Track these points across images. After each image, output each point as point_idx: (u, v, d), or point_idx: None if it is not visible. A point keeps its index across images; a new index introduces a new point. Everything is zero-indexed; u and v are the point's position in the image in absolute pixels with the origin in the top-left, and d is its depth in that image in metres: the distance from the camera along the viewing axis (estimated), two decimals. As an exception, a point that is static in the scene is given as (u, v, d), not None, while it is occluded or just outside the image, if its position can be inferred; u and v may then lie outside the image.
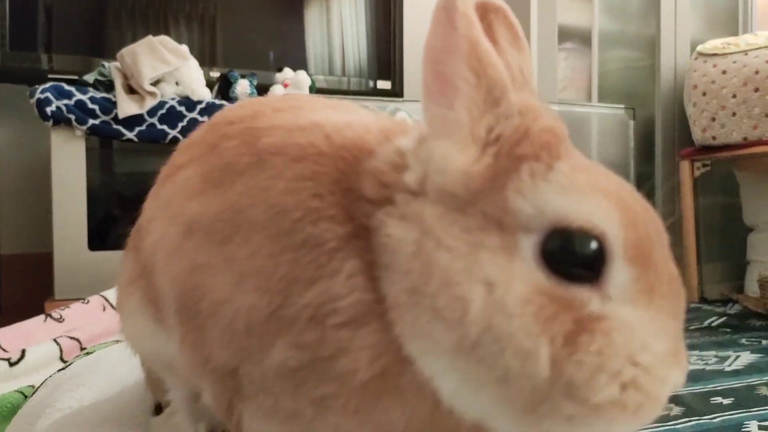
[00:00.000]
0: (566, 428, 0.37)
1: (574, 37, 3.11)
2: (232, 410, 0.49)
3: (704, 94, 2.89)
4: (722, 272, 3.21)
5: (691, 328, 2.39)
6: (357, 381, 0.41)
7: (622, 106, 3.03)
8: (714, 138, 2.88)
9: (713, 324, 2.45)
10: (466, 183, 0.39)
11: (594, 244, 0.37)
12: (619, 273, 0.37)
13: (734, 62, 2.83)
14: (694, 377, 1.67)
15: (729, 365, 1.81)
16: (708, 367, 1.78)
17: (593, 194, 0.37)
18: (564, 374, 0.36)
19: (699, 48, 3.01)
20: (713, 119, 2.87)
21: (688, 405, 1.40)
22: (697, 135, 2.95)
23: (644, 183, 3.13)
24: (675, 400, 1.45)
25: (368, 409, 0.42)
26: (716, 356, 1.91)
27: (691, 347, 2.04)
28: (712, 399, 1.46)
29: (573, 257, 0.37)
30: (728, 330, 2.33)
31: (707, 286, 3.12)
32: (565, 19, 3.03)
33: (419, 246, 0.39)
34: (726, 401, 1.44)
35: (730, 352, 1.95)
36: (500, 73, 0.40)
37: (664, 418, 1.32)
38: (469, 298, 0.37)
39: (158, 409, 0.73)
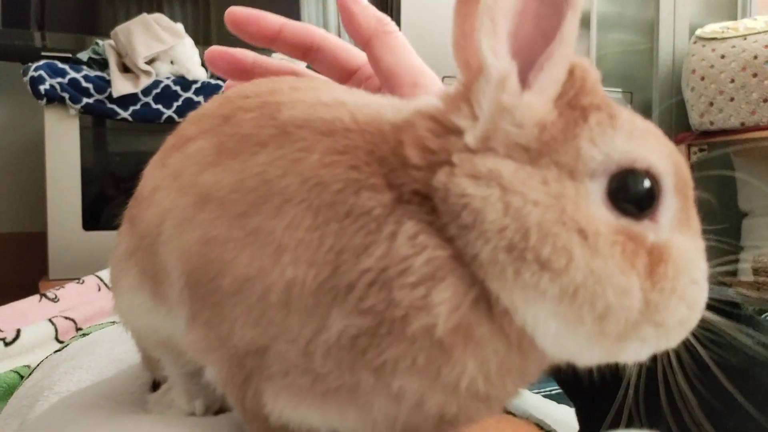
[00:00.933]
0: (640, 348, 0.42)
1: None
2: (246, 388, 0.48)
3: (702, 78, 2.89)
4: (716, 257, 3.22)
5: (685, 312, 2.40)
6: (433, 337, 0.42)
7: (619, 89, 3.02)
8: (711, 123, 2.88)
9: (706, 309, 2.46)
10: (540, 135, 0.42)
11: (650, 182, 0.41)
12: (670, 205, 0.41)
13: (733, 47, 2.82)
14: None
15: (723, 349, 1.81)
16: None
17: (651, 138, 0.42)
18: (651, 303, 0.40)
19: (698, 32, 3.00)
20: (711, 104, 2.87)
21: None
22: (695, 120, 2.95)
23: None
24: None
25: (440, 363, 0.43)
26: (710, 340, 1.92)
27: (684, 331, 2.05)
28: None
29: (636, 195, 0.41)
30: (722, 314, 2.34)
31: (701, 272, 3.14)
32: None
33: (506, 203, 0.41)
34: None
35: (723, 337, 1.95)
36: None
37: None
38: (570, 247, 0.40)
39: (155, 386, 0.72)
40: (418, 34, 2.88)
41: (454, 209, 0.43)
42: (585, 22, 3.11)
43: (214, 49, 0.71)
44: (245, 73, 0.73)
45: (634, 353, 0.43)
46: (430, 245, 0.43)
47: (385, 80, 0.66)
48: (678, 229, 0.42)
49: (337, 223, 0.43)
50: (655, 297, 0.40)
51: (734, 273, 3.07)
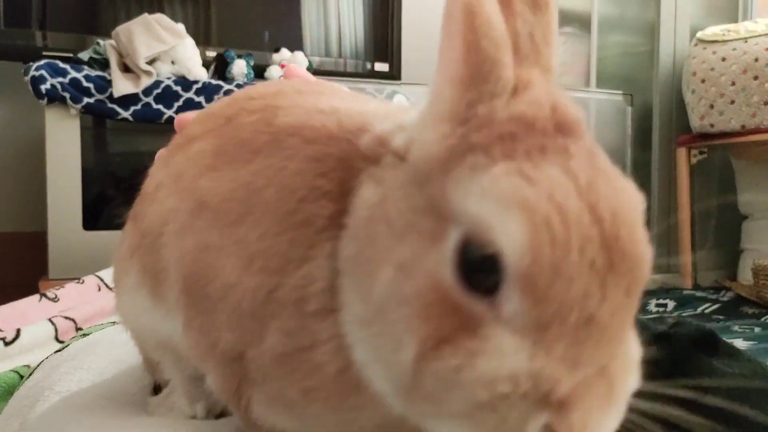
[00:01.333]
0: (440, 423, 0.36)
1: (573, 21, 3.09)
2: (240, 395, 0.48)
3: (703, 81, 2.89)
4: (716, 259, 3.23)
5: (684, 314, 2.41)
6: (327, 374, 0.41)
7: (620, 92, 3.03)
8: (712, 125, 2.88)
9: (706, 311, 2.46)
10: (428, 159, 0.37)
11: (493, 262, 0.33)
12: (511, 299, 0.33)
13: (734, 49, 2.82)
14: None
15: (722, 352, 1.81)
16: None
17: (510, 207, 0.33)
18: (420, 378, 0.34)
19: (699, 34, 3.00)
20: (711, 106, 2.87)
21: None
22: (695, 122, 2.95)
23: (641, 169, 3.14)
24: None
25: (341, 405, 0.42)
26: (709, 343, 1.92)
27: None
28: (705, 385, 1.47)
29: (477, 268, 0.34)
30: (721, 317, 2.35)
31: (701, 273, 3.14)
32: (565, 3, 3.01)
33: (372, 213, 0.38)
34: (719, 388, 1.45)
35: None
36: (495, 47, 0.36)
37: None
38: (377, 276, 0.36)
39: (156, 389, 0.73)
40: (418, 15, 2.88)
41: (349, 211, 0.41)
42: (586, 24, 3.11)
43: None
44: None
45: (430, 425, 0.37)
46: (333, 270, 0.41)
47: None
48: (520, 333, 0.33)
49: (292, 232, 0.43)
50: (427, 374, 0.34)
51: (734, 276, 3.07)
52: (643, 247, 0.35)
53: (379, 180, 0.40)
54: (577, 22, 3.10)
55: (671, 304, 2.55)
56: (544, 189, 0.33)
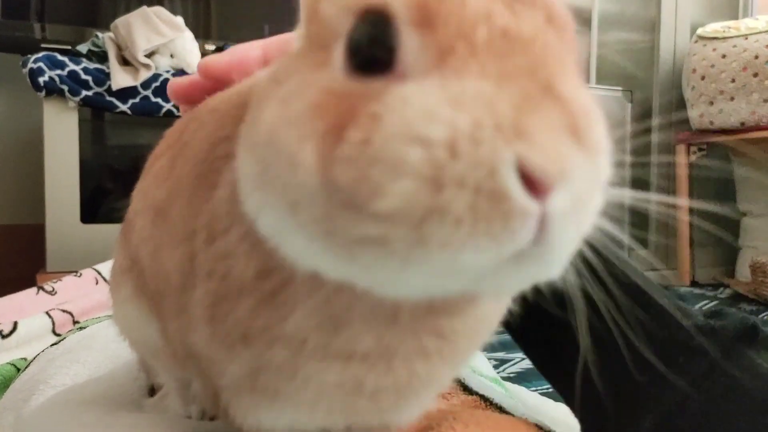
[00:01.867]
0: (381, 263, 0.28)
1: (573, 17, 3.08)
2: (218, 398, 0.47)
3: (703, 77, 2.89)
4: (714, 257, 3.23)
5: (682, 311, 2.41)
6: (248, 280, 0.37)
7: (620, 88, 3.02)
8: (711, 122, 2.88)
9: (704, 308, 2.46)
10: (305, 11, 0.34)
11: (380, 25, 0.29)
12: (409, 44, 0.29)
13: (734, 46, 2.82)
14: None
15: (719, 349, 1.81)
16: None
17: None
18: (330, 177, 0.28)
19: (699, 31, 2.99)
20: (711, 103, 2.86)
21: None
22: (695, 119, 2.95)
23: (640, 166, 3.13)
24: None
25: (272, 304, 0.37)
26: (706, 340, 1.92)
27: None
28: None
29: (367, 43, 0.30)
30: (719, 314, 2.35)
31: (699, 270, 3.14)
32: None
33: (262, 84, 0.35)
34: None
35: (720, 336, 1.96)
36: None
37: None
38: (261, 117, 0.32)
39: (152, 390, 0.73)
40: None
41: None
42: (586, 20, 3.10)
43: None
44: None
45: (374, 266, 0.29)
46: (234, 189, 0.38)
47: None
48: (421, 75, 0.28)
49: (200, 186, 0.42)
50: (336, 169, 0.27)
51: (732, 273, 3.08)
52: None
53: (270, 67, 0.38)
54: (576, 17, 3.08)
55: (669, 301, 2.55)
56: None
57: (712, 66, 2.86)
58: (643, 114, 3.20)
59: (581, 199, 0.28)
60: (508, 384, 1.12)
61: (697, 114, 2.93)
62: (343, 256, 0.29)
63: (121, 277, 0.59)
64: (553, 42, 0.29)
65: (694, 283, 3.03)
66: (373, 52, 0.29)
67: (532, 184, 0.26)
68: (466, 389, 0.84)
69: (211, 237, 0.39)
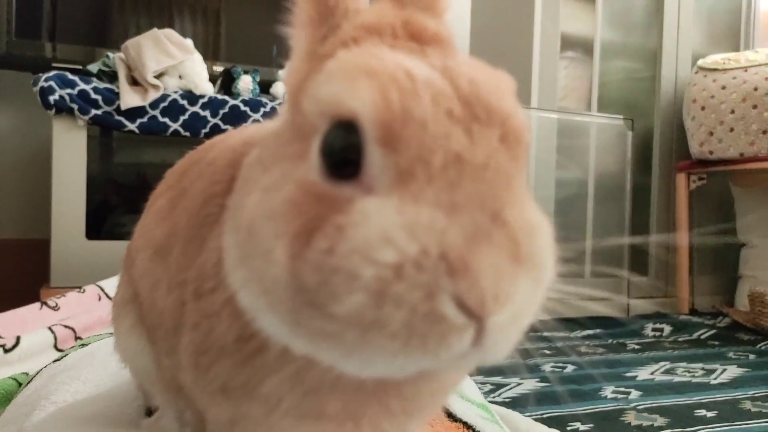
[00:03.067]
0: (335, 352, 0.32)
1: (576, 45, 3.12)
2: (205, 429, 0.49)
3: (703, 108, 2.92)
4: (713, 285, 3.23)
5: (680, 339, 2.41)
6: (228, 343, 0.40)
7: (621, 116, 3.05)
8: (711, 152, 2.90)
9: (702, 336, 2.47)
10: (291, 95, 0.38)
11: (351, 132, 0.32)
12: (372, 159, 0.32)
13: (734, 78, 2.85)
14: (680, 389, 1.68)
15: (715, 378, 1.82)
16: (694, 380, 1.79)
17: (353, 75, 0.33)
18: (298, 276, 0.31)
19: (700, 62, 3.03)
20: (711, 134, 2.89)
21: (672, 416, 1.42)
22: (695, 148, 2.97)
23: (641, 194, 3.15)
24: (659, 411, 1.46)
25: (248, 367, 0.40)
26: (703, 369, 1.93)
27: (678, 359, 2.06)
28: (696, 411, 1.47)
29: (339, 149, 0.32)
30: (717, 343, 2.35)
31: (698, 299, 3.14)
32: (568, 28, 3.04)
33: (249, 168, 0.39)
34: (710, 414, 1.45)
35: (717, 365, 1.96)
36: None
37: (648, 429, 1.33)
38: (243, 204, 0.35)
39: (149, 411, 0.74)
40: None
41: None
42: (588, 50, 3.14)
43: None
44: None
45: (330, 354, 0.33)
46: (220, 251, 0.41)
47: None
48: (385, 192, 0.31)
49: (193, 238, 0.45)
50: (302, 270, 0.31)
51: (731, 302, 3.08)
52: (509, 105, 0.34)
53: (258, 147, 0.41)
54: (579, 46, 3.13)
55: (667, 329, 2.56)
56: (390, 60, 0.33)
57: (712, 97, 2.89)
58: (644, 142, 3.22)
59: (520, 311, 0.32)
60: (499, 409, 1.13)
61: (697, 144, 2.95)
62: (306, 341, 0.33)
63: (123, 308, 0.62)
64: (504, 164, 0.32)
65: (693, 311, 3.03)
66: (344, 156, 0.32)
67: (469, 311, 0.30)
68: (450, 416, 0.85)
69: (198, 293, 0.42)
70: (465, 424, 0.83)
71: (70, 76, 2.11)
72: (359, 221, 0.30)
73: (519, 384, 1.64)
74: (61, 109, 2.07)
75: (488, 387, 1.62)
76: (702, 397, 1.61)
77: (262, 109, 2.30)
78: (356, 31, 0.37)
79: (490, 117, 0.33)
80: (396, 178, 0.31)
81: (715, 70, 2.93)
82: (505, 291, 0.30)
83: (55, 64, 2.29)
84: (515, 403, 1.49)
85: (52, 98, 2.04)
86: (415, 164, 0.31)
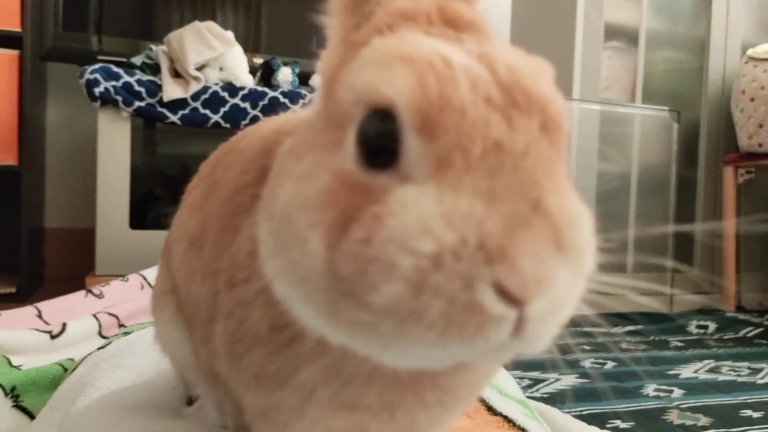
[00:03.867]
0: (371, 343, 0.32)
1: (620, 35, 3.05)
2: (243, 416, 0.49)
3: (752, 99, 2.83)
4: (761, 282, 3.14)
5: (726, 337, 2.36)
6: (262, 332, 0.40)
7: (667, 108, 2.98)
8: (760, 145, 2.81)
9: (749, 334, 2.40)
10: (326, 83, 0.38)
11: (388, 120, 0.32)
12: (410, 147, 0.31)
13: (786, 68, 2.76)
14: (725, 388, 1.65)
15: (762, 378, 1.78)
16: (740, 379, 1.75)
17: (389, 62, 0.32)
18: (334, 267, 0.31)
19: (749, 52, 2.93)
20: (760, 126, 2.80)
21: (717, 416, 1.39)
22: (743, 141, 2.88)
23: (686, 188, 3.08)
24: (703, 410, 1.44)
25: (282, 356, 0.40)
26: (749, 368, 1.88)
27: (724, 357, 2.01)
28: (741, 411, 1.44)
29: (375, 137, 0.32)
30: (764, 341, 2.29)
31: (745, 295, 3.06)
32: (613, 17, 2.98)
33: (282, 158, 0.39)
34: (756, 414, 1.42)
35: (764, 365, 1.91)
36: None
37: (691, 429, 1.31)
38: (277, 194, 0.35)
39: (190, 400, 0.75)
40: None
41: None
42: (633, 39, 3.07)
43: None
44: None
45: (367, 344, 0.32)
46: (253, 240, 0.41)
47: None
48: (422, 181, 0.31)
49: (226, 228, 0.45)
50: (340, 260, 0.31)
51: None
52: (549, 92, 0.33)
53: (291, 135, 0.41)
54: (624, 36, 3.06)
55: (712, 326, 2.50)
56: (426, 46, 0.33)
57: (762, 88, 2.80)
58: (690, 135, 3.15)
59: (561, 300, 0.31)
60: (536, 404, 1.12)
61: (745, 136, 2.87)
62: (343, 332, 0.33)
63: (163, 298, 0.63)
64: (544, 152, 0.32)
65: (739, 308, 2.95)
66: (380, 144, 0.32)
67: (510, 298, 0.29)
68: (490, 409, 0.85)
69: (231, 282, 0.43)
70: (505, 418, 0.83)
71: (114, 68, 2.14)
72: (396, 210, 0.30)
73: (558, 380, 1.62)
74: (106, 101, 2.11)
75: (526, 382, 1.60)
76: (747, 397, 1.57)
77: (302, 101, 2.31)
78: (391, 17, 0.36)
79: (529, 104, 0.32)
80: (434, 166, 0.31)
81: (765, 59, 2.83)
82: (546, 275, 0.29)
83: (100, 57, 2.33)
84: (553, 399, 1.47)
85: (97, 90, 2.08)
86: (453, 152, 0.30)
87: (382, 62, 0.32)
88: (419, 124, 0.31)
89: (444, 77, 0.31)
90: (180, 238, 0.56)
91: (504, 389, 0.96)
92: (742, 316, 2.73)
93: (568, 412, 1.19)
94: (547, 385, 1.59)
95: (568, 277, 0.31)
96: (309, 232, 0.32)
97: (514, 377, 1.13)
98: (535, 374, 1.65)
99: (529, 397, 1.15)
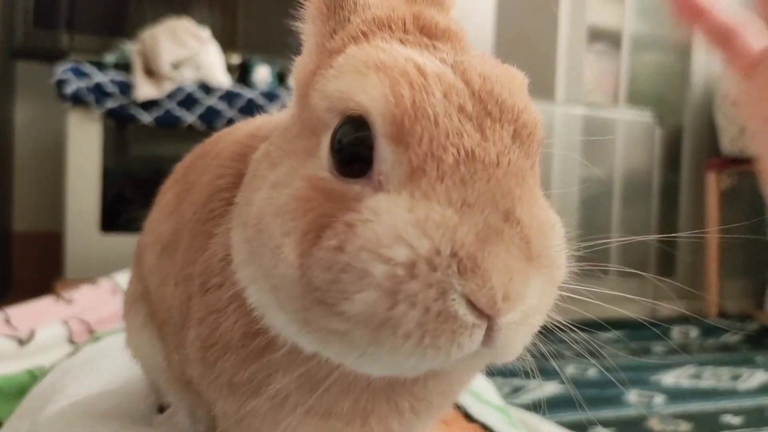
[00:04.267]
0: (345, 352, 0.32)
1: (604, 38, 3.06)
2: (215, 424, 0.48)
3: (735, 103, 2.84)
4: (743, 288, 3.16)
5: (707, 343, 2.36)
6: (234, 340, 0.40)
7: (649, 113, 2.98)
8: (742, 150, 2.83)
9: (730, 340, 2.41)
10: (300, 89, 0.39)
11: (361, 128, 0.32)
12: (383, 155, 0.31)
13: (768, 73, 2.77)
14: (705, 394, 1.65)
15: (742, 383, 1.78)
16: (720, 384, 1.76)
17: (363, 70, 0.33)
18: (308, 274, 0.31)
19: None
20: (742, 130, 2.81)
21: (697, 422, 1.39)
22: (725, 145, 2.90)
23: (669, 193, 3.08)
24: (683, 416, 1.44)
25: (256, 365, 0.40)
26: (730, 373, 1.88)
27: (705, 363, 2.01)
28: (721, 417, 1.45)
29: (349, 145, 0.32)
30: (745, 347, 2.30)
31: (727, 301, 3.07)
32: (596, 20, 2.98)
33: (256, 164, 0.39)
34: (736, 420, 1.43)
35: (744, 370, 1.92)
36: None
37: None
38: (251, 200, 0.36)
39: (161, 408, 0.74)
40: None
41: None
42: (616, 42, 3.07)
43: None
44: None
45: (340, 353, 0.32)
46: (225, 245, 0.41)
47: None
48: (395, 189, 0.31)
49: (199, 233, 0.45)
50: (313, 267, 0.31)
51: (761, 305, 3.00)
52: (522, 101, 0.33)
53: (267, 140, 0.41)
54: (607, 39, 3.07)
55: (694, 332, 2.50)
56: (400, 54, 0.33)
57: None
58: (673, 139, 3.15)
59: (532, 309, 0.31)
60: (516, 411, 1.11)
61: (728, 140, 2.88)
62: (316, 340, 0.33)
63: (134, 304, 0.61)
64: (516, 161, 0.32)
65: (721, 315, 2.96)
66: (354, 152, 0.32)
67: (479, 310, 0.29)
68: (468, 416, 0.84)
69: (204, 287, 0.42)
70: (482, 425, 0.82)
71: (85, 67, 2.10)
72: (370, 218, 0.30)
73: (539, 387, 1.61)
74: (77, 100, 2.07)
75: (507, 389, 1.59)
76: (728, 403, 1.58)
77: (280, 101, 2.29)
78: (366, 25, 0.37)
79: (502, 113, 0.32)
80: (407, 174, 0.31)
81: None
82: (515, 290, 0.30)
83: (71, 55, 2.28)
84: (535, 406, 1.46)
85: (68, 90, 2.04)
86: (426, 161, 0.31)
87: (357, 70, 0.33)
88: (392, 133, 0.31)
89: (417, 86, 0.31)
90: (153, 243, 0.55)
91: (483, 396, 0.96)
92: (724, 322, 2.74)
93: (551, 419, 1.18)
94: (529, 392, 1.58)
95: (540, 287, 0.31)
96: (282, 239, 0.32)
97: (496, 384, 1.12)
98: (516, 381, 1.64)
99: (510, 404, 1.13)
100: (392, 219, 0.30)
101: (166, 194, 0.57)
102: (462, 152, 0.31)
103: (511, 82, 0.34)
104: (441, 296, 0.29)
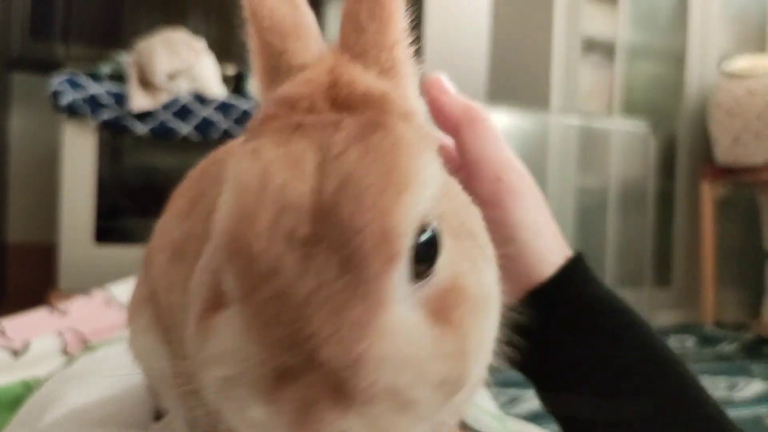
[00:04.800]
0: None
1: (597, 48, 3.07)
2: None
3: (728, 113, 2.85)
4: (739, 297, 3.16)
5: (703, 352, 2.36)
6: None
7: (644, 122, 2.99)
8: (736, 159, 2.83)
9: (726, 350, 2.41)
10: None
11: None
12: (227, 278, 0.32)
13: (761, 82, 2.78)
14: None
15: (738, 393, 1.78)
16: (716, 394, 1.74)
17: (229, 184, 0.32)
18: (197, 339, 0.34)
19: (726, 66, 2.96)
20: (736, 140, 2.82)
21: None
22: (719, 155, 2.91)
23: (664, 202, 3.09)
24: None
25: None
26: (726, 383, 1.88)
27: (701, 372, 2.00)
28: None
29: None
30: (741, 357, 2.29)
31: (723, 311, 3.07)
32: (590, 30, 3.00)
33: None
34: None
35: (740, 380, 1.91)
36: (279, 36, 0.37)
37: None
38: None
39: (158, 415, 0.73)
40: (442, 29, 2.86)
41: None
42: (610, 52, 3.09)
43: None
44: None
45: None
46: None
47: (470, 170, 0.59)
48: (236, 312, 0.31)
49: (205, 238, 0.43)
50: (199, 334, 0.35)
51: (757, 314, 3.00)
52: (367, 218, 0.30)
53: None
54: (601, 49, 3.08)
55: (691, 342, 2.50)
56: (262, 163, 0.31)
57: (738, 102, 2.83)
58: (667, 148, 3.16)
59: None
60: (513, 421, 1.10)
61: (721, 150, 2.89)
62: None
63: (139, 306, 0.61)
64: (336, 294, 0.29)
65: (717, 324, 2.96)
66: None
67: None
68: (463, 425, 0.83)
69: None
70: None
71: (81, 78, 2.10)
72: (209, 334, 0.32)
73: (536, 397, 1.59)
74: (73, 111, 2.06)
75: (504, 399, 1.58)
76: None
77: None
78: (276, 105, 0.34)
79: (337, 236, 0.29)
80: (239, 300, 0.30)
81: (741, 74, 2.86)
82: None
83: (67, 65, 2.27)
84: (533, 416, 1.44)
85: (64, 101, 2.04)
86: (249, 293, 0.30)
87: (228, 181, 0.32)
88: (228, 258, 0.31)
89: (248, 211, 0.30)
90: (163, 247, 0.55)
91: (480, 403, 0.95)
92: (720, 332, 2.74)
93: (548, 429, 1.17)
94: (525, 402, 1.57)
95: (359, 426, 0.29)
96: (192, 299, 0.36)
97: (493, 394, 1.11)
98: (513, 391, 1.63)
99: (507, 414, 1.12)
100: (222, 342, 0.31)
101: (179, 199, 0.57)
102: (272, 292, 0.29)
103: (377, 189, 0.30)
104: (241, 410, 0.31)
